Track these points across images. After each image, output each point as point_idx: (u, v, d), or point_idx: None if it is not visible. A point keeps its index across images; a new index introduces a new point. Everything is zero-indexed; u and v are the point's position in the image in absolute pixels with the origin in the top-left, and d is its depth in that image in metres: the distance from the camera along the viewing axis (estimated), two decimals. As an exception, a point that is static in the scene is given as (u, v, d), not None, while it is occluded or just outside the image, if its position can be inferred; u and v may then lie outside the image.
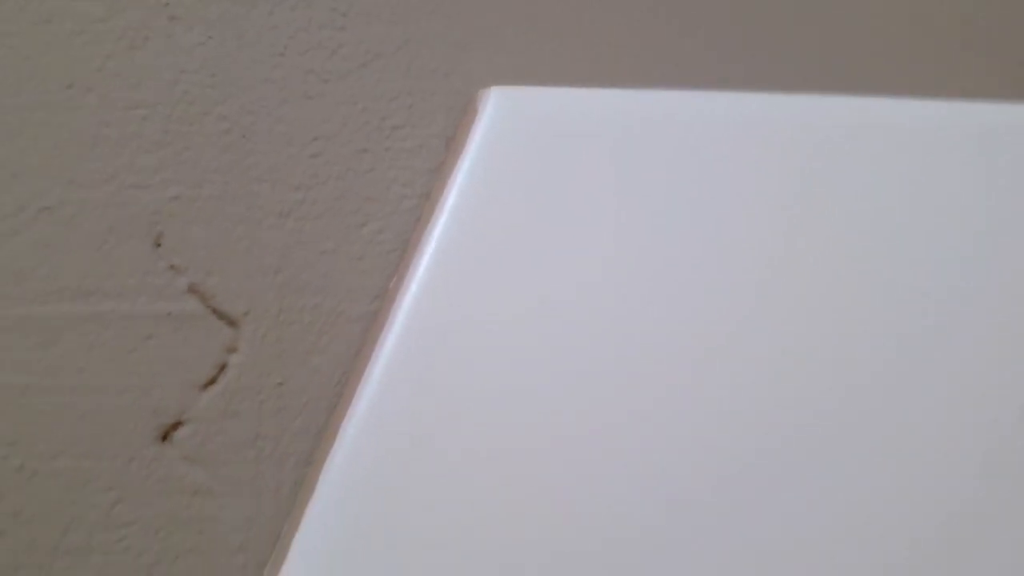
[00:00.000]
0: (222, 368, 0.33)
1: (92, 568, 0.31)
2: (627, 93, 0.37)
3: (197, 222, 0.34)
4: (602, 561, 0.31)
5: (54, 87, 0.34)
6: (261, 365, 0.33)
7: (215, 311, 0.33)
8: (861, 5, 0.40)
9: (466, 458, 0.31)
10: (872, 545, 0.33)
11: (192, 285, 0.33)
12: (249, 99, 0.35)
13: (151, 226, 0.33)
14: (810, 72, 0.40)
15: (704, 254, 0.35)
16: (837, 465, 0.33)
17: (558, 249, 0.34)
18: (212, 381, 0.33)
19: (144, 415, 0.33)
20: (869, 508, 0.33)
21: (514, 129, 0.35)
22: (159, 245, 0.33)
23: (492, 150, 0.34)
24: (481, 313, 0.33)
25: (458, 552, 0.31)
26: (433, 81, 0.36)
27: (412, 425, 0.31)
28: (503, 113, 0.34)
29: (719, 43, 0.39)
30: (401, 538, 0.30)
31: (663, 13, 0.38)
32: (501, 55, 0.37)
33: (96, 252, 0.33)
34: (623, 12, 0.38)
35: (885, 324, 0.35)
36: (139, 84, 0.34)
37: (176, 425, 0.33)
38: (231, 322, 0.34)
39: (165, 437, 0.33)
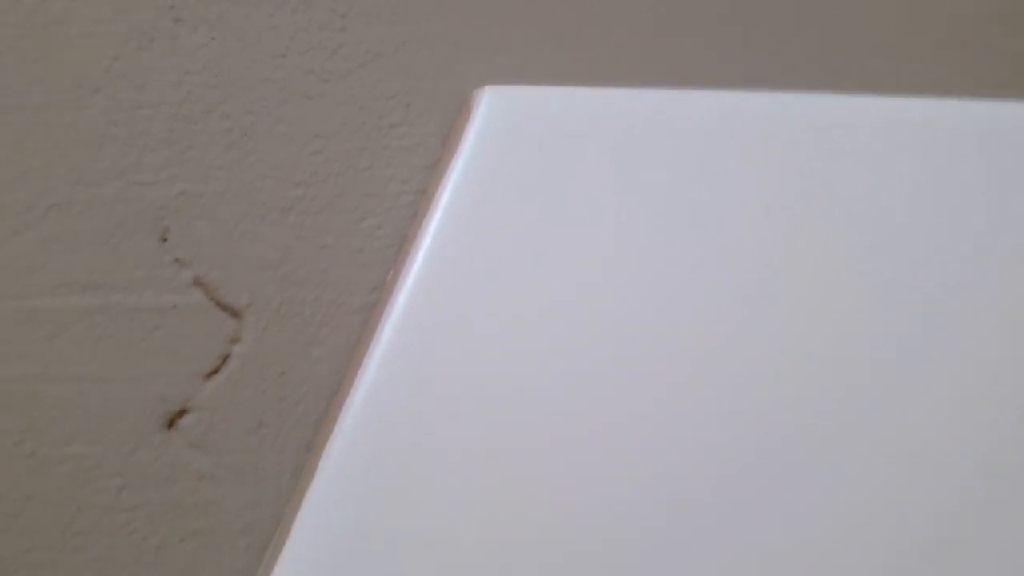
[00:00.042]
0: (225, 358, 0.33)
1: (100, 549, 0.31)
2: (619, 92, 0.37)
3: (201, 218, 0.34)
4: (598, 553, 0.31)
5: (62, 88, 0.34)
6: (263, 355, 0.33)
7: (219, 303, 0.34)
8: (860, 5, 0.40)
9: (461, 445, 0.31)
10: (871, 545, 0.32)
11: (197, 278, 0.34)
12: (251, 99, 0.35)
13: (157, 221, 0.34)
14: (808, 70, 0.39)
15: (698, 252, 0.35)
16: (836, 463, 0.33)
17: (549, 243, 0.34)
18: (216, 371, 0.33)
19: (150, 403, 0.33)
20: (869, 508, 0.33)
21: (506, 127, 0.35)
22: (165, 240, 0.34)
23: (485, 148, 0.34)
24: (475, 306, 0.33)
25: (453, 537, 0.31)
26: (429, 81, 0.36)
27: (409, 414, 0.31)
28: (496, 112, 0.34)
29: (712, 42, 0.39)
30: (398, 522, 0.30)
31: (657, 13, 0.38)
32: (496, 55, 0.37)
33: (104, 247, 0.33)
34: (618, 12, 0.38)
35: (884, 323, 0.35)
36: (145, 85, 0.34)
37: (181, 413, 0.33)
38: (234, 314, 0.34)
39: (171, 424, 0.33)
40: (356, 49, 0.36)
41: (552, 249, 0.34)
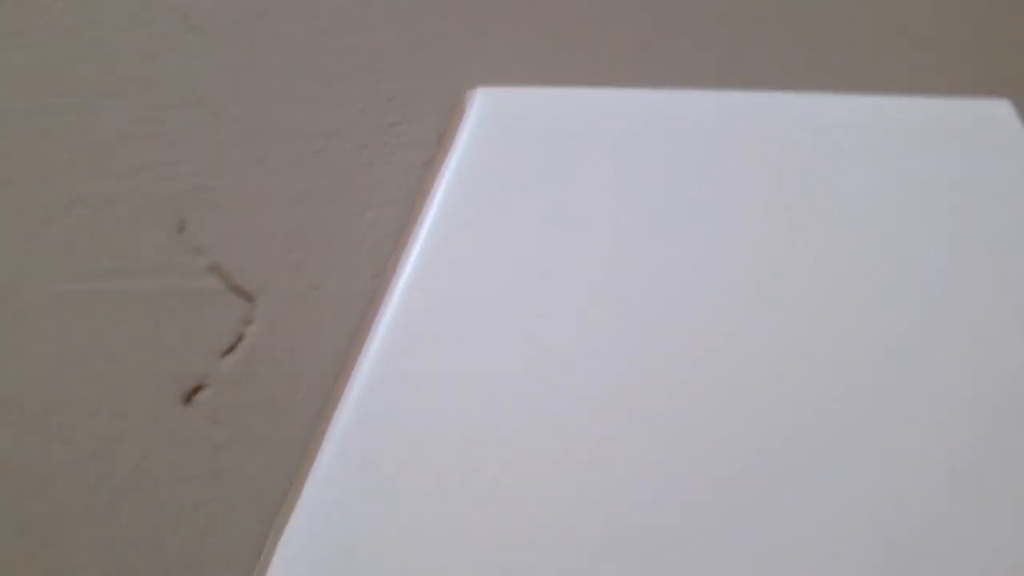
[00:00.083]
0: (239, 338, 0.33)
1: (123, 515, 0.31)
2: (610, 92, 0.37)
3: (216, 209, 0.34)
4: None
5: (86, 91, 0.34)
6: (274, 335, 0.34)
7: (233, 288, 0.34)
8: (858, 5, 0.40)
9: (458, 419, 0.31)
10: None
11: (212, 265, 0.34)
12: (261, 100, 0.35)
13: (175, 213, 0.34)
14: (806, 70, 0.40)
15: (692, 252, 0.35)
16: (835, 461, 0.32)
17: (539, 239, 0.34)
18: (230, 349, 0.33)
19: (170, 379, 0.33)
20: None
21: (498, 127, 0.35)
22: (182, 230, 0.34)
23: (478, 146, 0.35)
24: (468, 291, 0.33)
25: (454, 504, 0.31)
26: (427, 83, 0.37)
27: (407, 390, 0.31)
28: (488, 112, 0.35)
29: (705, 43, 0.39)
30: (402, 487, 0.31)
31: (651, 14, 0.39)
32: (491, 58, 0.38)
33: (126, 236, 0.33)
34: (614, 13, 0.39)
35: (882, 320, 0.34)
36: (161, 88, 0.35)
37: (198, 388, 0.33)
38: (247, 297, 0.34)
39: (188, 399, 0.33)
40: (357, 53, 0.36)
41: (542, 244, 0.34)
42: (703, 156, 0.36)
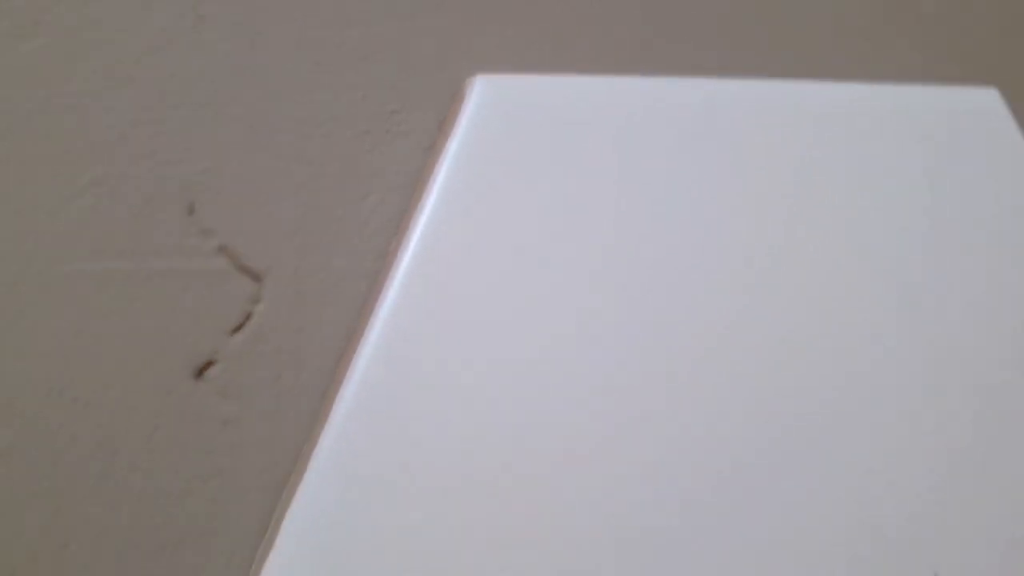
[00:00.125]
0: (248, 316, 0.34)
1: (136, 486, 0.32)
2: (609, 80, 0.37)
3: (225, 192, 0.34)
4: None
5: (98, 79, 0.34)
6: (281, 314, 0.34)
7: (241, 268, 0.34)
8: None
9: (459, 399, 0.32)
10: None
11: (221, 246, 0.34)
12: (267, 88, 0.35)
13: (185, 196, 0.34)
14: (805, 58, 0.39)
15: (690, 241, 0.35)
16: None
17: (537, 224, 0.34)
18: (239, 327, 0.34)
19: (181, 356, 0.33)
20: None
21: (497, 114, 0.35)
22: (192, 213, 0.34)
23: (477, 133, 0.35)
24: (467, 273, 0.33)
25: (455, 476, 0.31)
26: (428, 71, 0.36)
27: (410, 365, 0.32)
28: (487, 99, 0.35)
29: (705, 30, 0.39)
30: (403, 462, 0.31)
31: (650, 2, 0.39)
32: (491, 47, 0.37)
33: (138, 218, 0.34)
34: (613, 2, 0.38)
35: (874, 310, 0.34)
36: (172, 76, 0.35)
37: (208, 364, 0.33)
38: (255, 277, 0.34)
39: (199, 375, 0.33)
40: (359, 44, 0.36)
41: (540, 230, 0.34)
42: (700, 144, 0.36)
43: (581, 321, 0.34)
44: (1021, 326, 0.36)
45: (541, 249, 0.34)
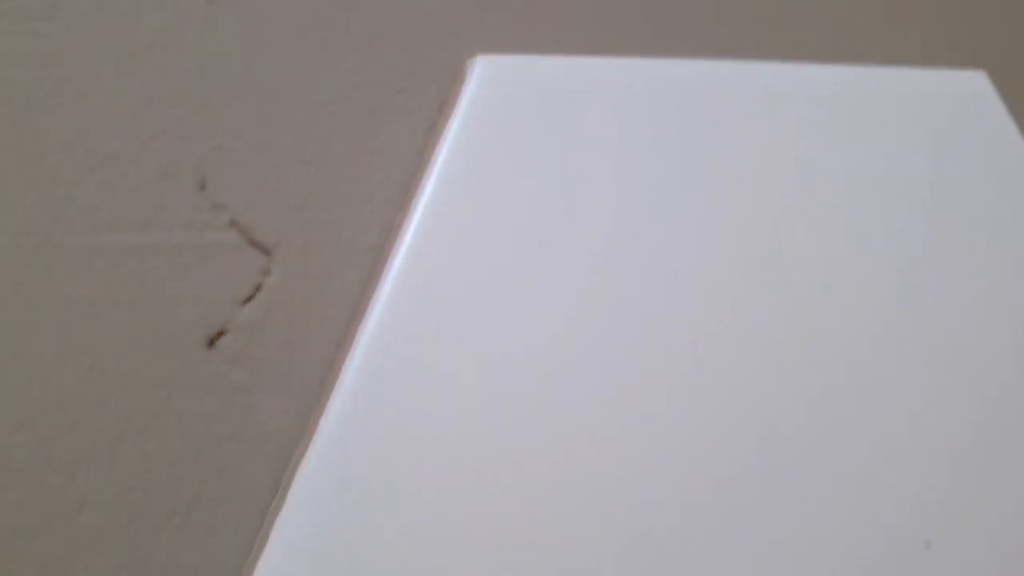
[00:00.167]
0: (258, 288, 0.34)
1: (149, 451, 0.32)
2: (608, 61, 0.37)
3: (236, 168, 0.35)
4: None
5: (113, 59, 0.35)
6: (290, 285, 0.34)
7: (251, 241, 0.34)
8: None
9: (459, 372, 0.32)
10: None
11: (232, 220, 0.34)
12: (277, 67, 0.36)
13: (197, 171, 0.34)
14: (811, 40, 0.40)
15: (690, 221, 0.35)
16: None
17: (538, 199, 0.35)
18: (250, 298, 0.34)
19: (193, 326, 0.33)
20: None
21: (497, 93, 0.36)
22: (204, 188, 0.35)
23: (477, 112, 0.36)
24: (468, 248, 0.34)
25: (461, 444, 0.31)
26: (431, 52, 0.37)
27: (414, 334, 0.33)
28: (488, 80, 0.36)
29: (706, 11, 0.39)
30: (408, 425, 0.32)
31: None
32: (493, 28, 0.38)
33: (152, 192, 0.34)
34: None
35: (871, 299, 0.34)
36: (184, 56, 0.35)
37: (220, 334, 0.34)
38: (265, 250, 0.35)
39: (211, 344, 0.33)
40: (364, 26, 0.37)
41: (539, 207, 0.35)
42: (697, 124, 0.36)
43: (581, 301, 0.34)
44: (1011, 305, 0.36)
45: (541, 228, 0.35)
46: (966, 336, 0.34)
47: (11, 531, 0.31)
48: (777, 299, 0.34)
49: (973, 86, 0.40)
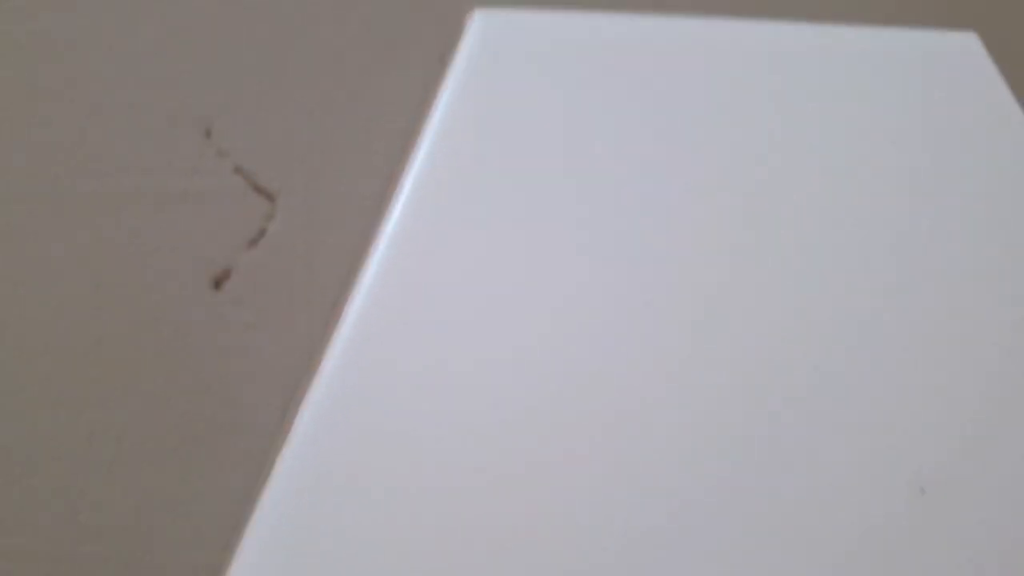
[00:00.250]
0: (262, 232, 0.35)
1: (163, 383, 0.33)
2: (604, 17, 0.38)
3: (241, 117, 0.36)
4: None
5: (125, 14, 0.36)
6: (293, 230, 0.35)
7: (256, 187, 0.35)
8: None
9: (456, 312, 0.32)
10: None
11: (237, 167, 0.36)
12: (282, 26, 0.37)
13: (203, 120, 0.36)
14: (795, 1, 0.40)
15: (682, 177, 0.34)
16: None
17: (530, 153, 0.35)
18: (255, 242, 0.35)
19: (201, 267, 0.34)
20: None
21: (495, 47, 0.37)
22: (209, 135, 0.36)
23: (475, 64, 0.37)
24: (466, 193, 0.35)
25: (454, 393, 0.31)
26: (430, 6, 0.38)
27: (411, 276, 0.33)
28: (486, 33, 0.37)
29: None
30: (408, 359, 0.31)
31: None
32: None
33: (161, 139, 0.35)
34: None
35: (858, 256, 0.33)
36: (193, 15, 0.37)
37: (226, 275, 0.34)
38: (269, 196, 0.35)
39: (218, 285, 0.34)
40: None
41: (534, 158, 0.35)
42: (687, 81, 0.37)
43: (577, 245, 0.34)
44: (1002, 264, 0.35)
45: (536, 177, 0.35)
46: (960, 297, 0.34)
47: (22, 461, 0.32)
48: (769, 259, 0.34)
49: (964, 47, 0.41)
